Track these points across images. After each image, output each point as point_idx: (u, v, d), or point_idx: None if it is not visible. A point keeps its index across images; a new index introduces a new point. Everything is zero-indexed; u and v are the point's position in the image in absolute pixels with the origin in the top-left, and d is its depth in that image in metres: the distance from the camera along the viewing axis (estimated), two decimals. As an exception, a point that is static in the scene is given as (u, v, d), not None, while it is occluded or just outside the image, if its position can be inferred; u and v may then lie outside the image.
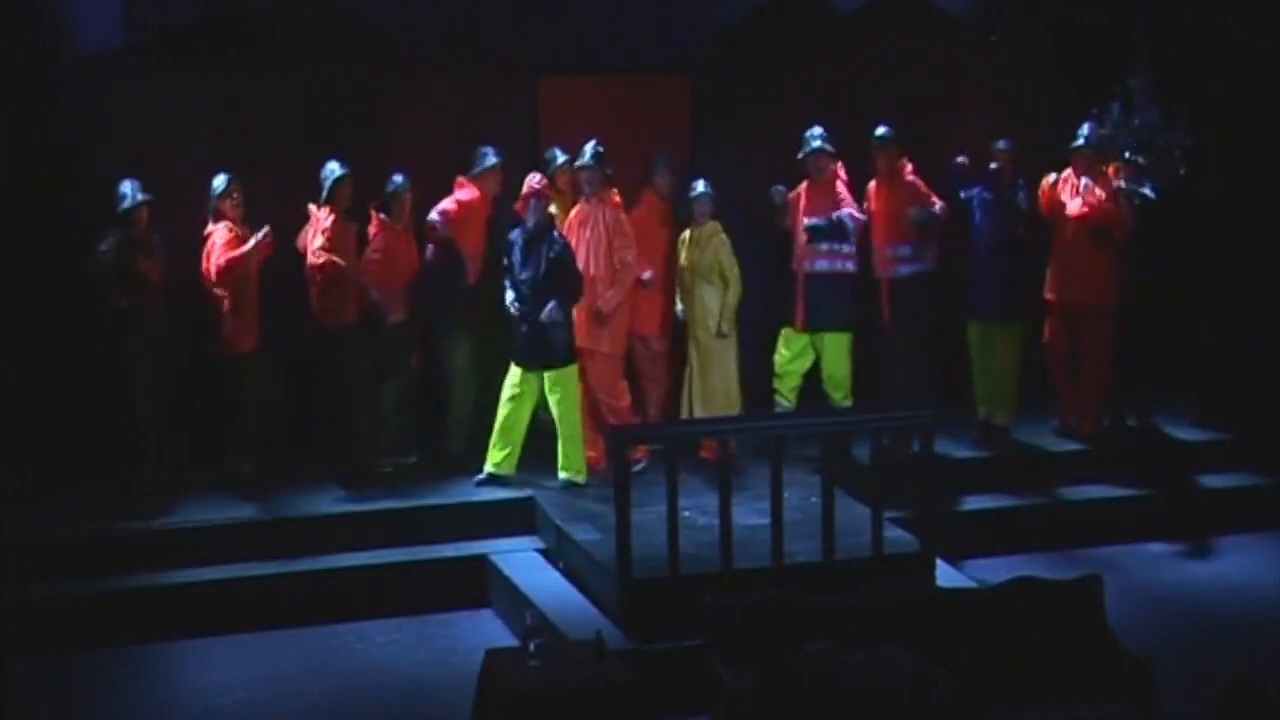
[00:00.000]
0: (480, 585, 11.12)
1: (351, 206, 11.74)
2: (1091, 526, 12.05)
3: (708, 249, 12.05)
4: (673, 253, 12.31)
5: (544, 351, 11.57)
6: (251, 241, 11.51)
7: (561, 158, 12.22)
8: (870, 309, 12.45)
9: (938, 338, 12.62)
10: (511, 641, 10.20)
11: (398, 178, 11.88)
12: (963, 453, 12.53)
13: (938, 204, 12.41)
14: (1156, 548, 12.03)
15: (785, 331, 12.45)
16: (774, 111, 13.07)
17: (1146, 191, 12.04)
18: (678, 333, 12.40)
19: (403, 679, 10.18)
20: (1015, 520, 12.01)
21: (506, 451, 11.75)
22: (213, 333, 11.68)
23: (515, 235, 11.68)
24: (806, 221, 12.23)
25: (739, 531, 10.04)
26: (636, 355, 12.30)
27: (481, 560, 11.19)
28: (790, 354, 12.44)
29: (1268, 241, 13.02)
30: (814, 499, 10.55)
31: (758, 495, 10.39)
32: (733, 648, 8.67)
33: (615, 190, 12.06)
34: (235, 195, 11.64)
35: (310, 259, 11.70)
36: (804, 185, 12.36)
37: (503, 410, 11.73)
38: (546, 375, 11.61)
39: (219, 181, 11.63)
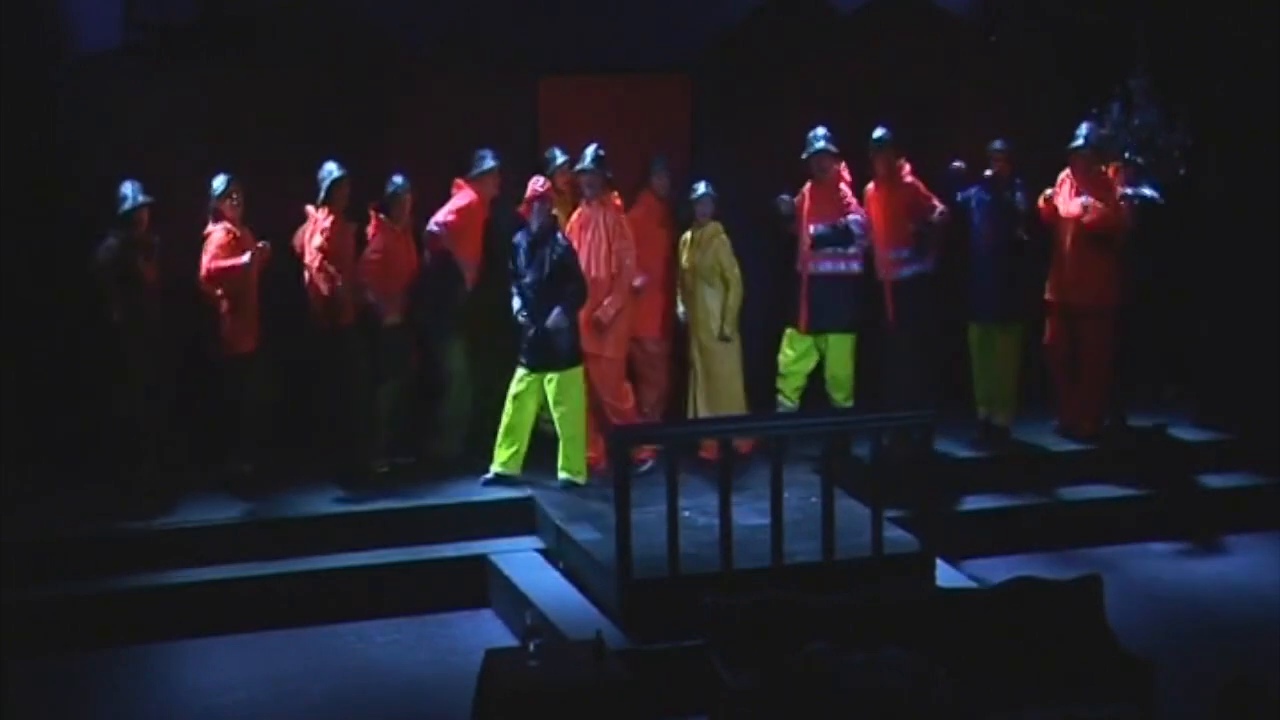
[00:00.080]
0: (480, 585, 11.12)
1: (349, 207, 11.73)
2: (1091, 526, 12.05)
3: (709, 250, 12.05)
4: (672, 255, 12.31)
5: (549, 354, 11.57)
6: (246, 255, 11.48)
7: (561, 158, 12.22)
8: (874, 310, 12.44)
9: (939, 339, 12.62)
10: (511, 641, 10.20)
11: (398, 179, 11.88)
12: (963, 453, 12.53)
13: (938, 208, 12.42)
14: (1156, 548, 12.03)
15: (790, 332, 12.45)
16: (774, 111, 13.07)
17: (1151, 194, 12.04)
18: (678, 335, 12.40)
19: (403, 679, 10.18)
20: (1015, 520, 12.01)
21: (512, 451, 11.75)
22: (212, 333, 11.69)
23: (519, 238, 11.68)
24: (812, 230, 12.23)
25: (739, 531, 10.04)
26: (634, 358, 12.29)
27: (481, 560, 11.19)
28: (795, 354, 12.44)
29: (1268, 241, 13.02)
30: (814, 499, 10.56)
31: (758, 495, 10.39)
32: (733, 648, 8.67)
33: (616, 193, 12.06)
34: (235, 196, 11.64)
35: (307, 260, 11.67)
36: (808, 186, 12.35)
37: (508, 410, 11.74)
38: (551, 377, 11.60)
39: (218, 182, 11.63)
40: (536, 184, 11.71)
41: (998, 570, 10.70)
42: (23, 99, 11.80)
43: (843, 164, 12.38)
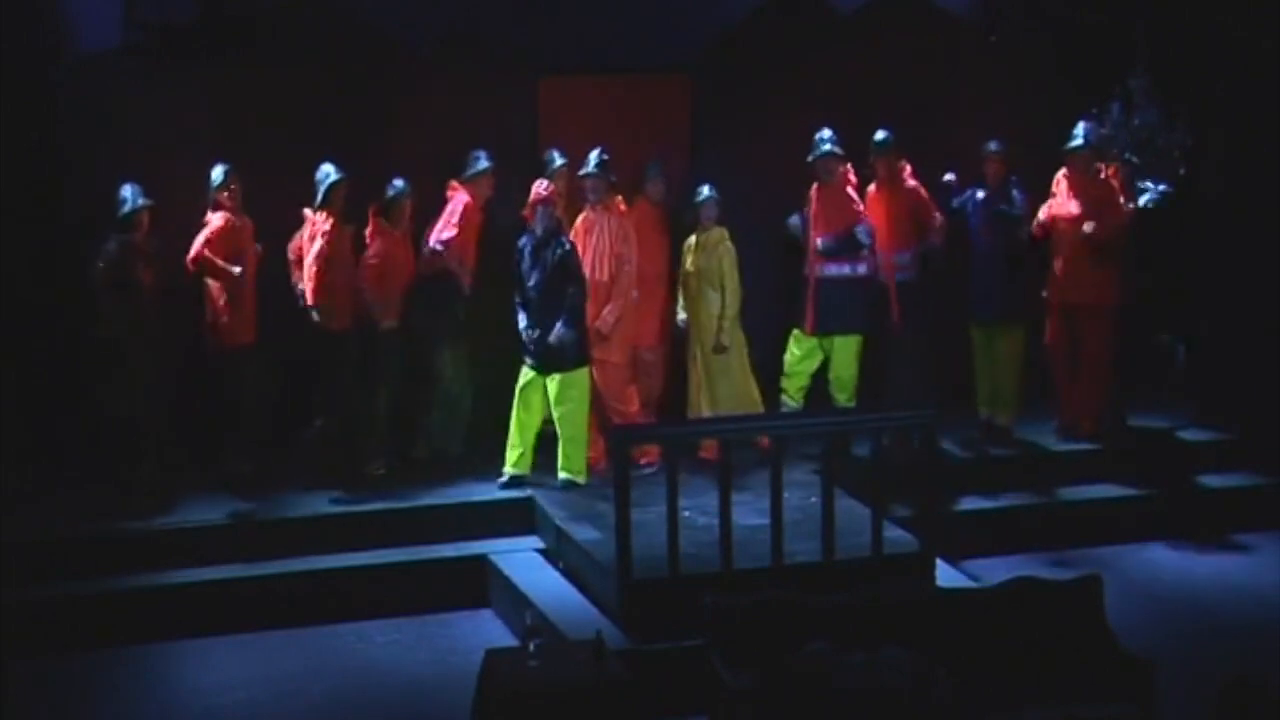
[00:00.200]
0: (480, 585, 11.12)
1: (347, 208, 11.71)
2: (1091, 526, 12.04)
3: (714, 255, 12.06)
4: (667, 261, 12.31)
5: (554, 357, 11.56)
6: (238, 269, 11.48)
7: (559, 161, 12.20)
8: (879, 312, 12.43)
9: (943, 340, 12.62)
10: (511, 641, 10.20)
11: (398, 182, 11.86)
12: (963, 452, 12.53)
13: (937, 218, 12.45)
14: (1156, 548, 12.03)
15: (795, 332, 12.47)
16: (774, 111, 13.07)
17: (1164, 187, 12.03)
18: (676, 341, 12.39)
19: (403, 679, 10.18)
20: (1015, 520, 12.00)
21: (520, 452, 11.76)
22: (211, 326, 11.65)
23: (523, 242, 11.67)
24: (819, 245, 12.22)
25: (739, 531, 10.03)
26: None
27: (481, 560, 11.19)
28: (800, 354, 12.44)
29: (1268, 241, 13.02)
30: (814, 499, 10.56)
31: (758, 495, 10.38)
32: (733, 648, 8.67)
33: (621, 198, 12.06)
34: (233, 187, 11.63)
35: (306, 265, 11.62)
36: (814, 188, 12.35)
37: (515, 412, 11.74)
38: (556, 378, 11.60)
39: (217, 173, 11.61)
40: (540, 187, 11.69)
41: (998, 570, 10.69)
42: (23, 99, 11.80)
43: (849, 166, 12.38)
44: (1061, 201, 12.66)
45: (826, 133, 12.30)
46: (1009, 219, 12.48)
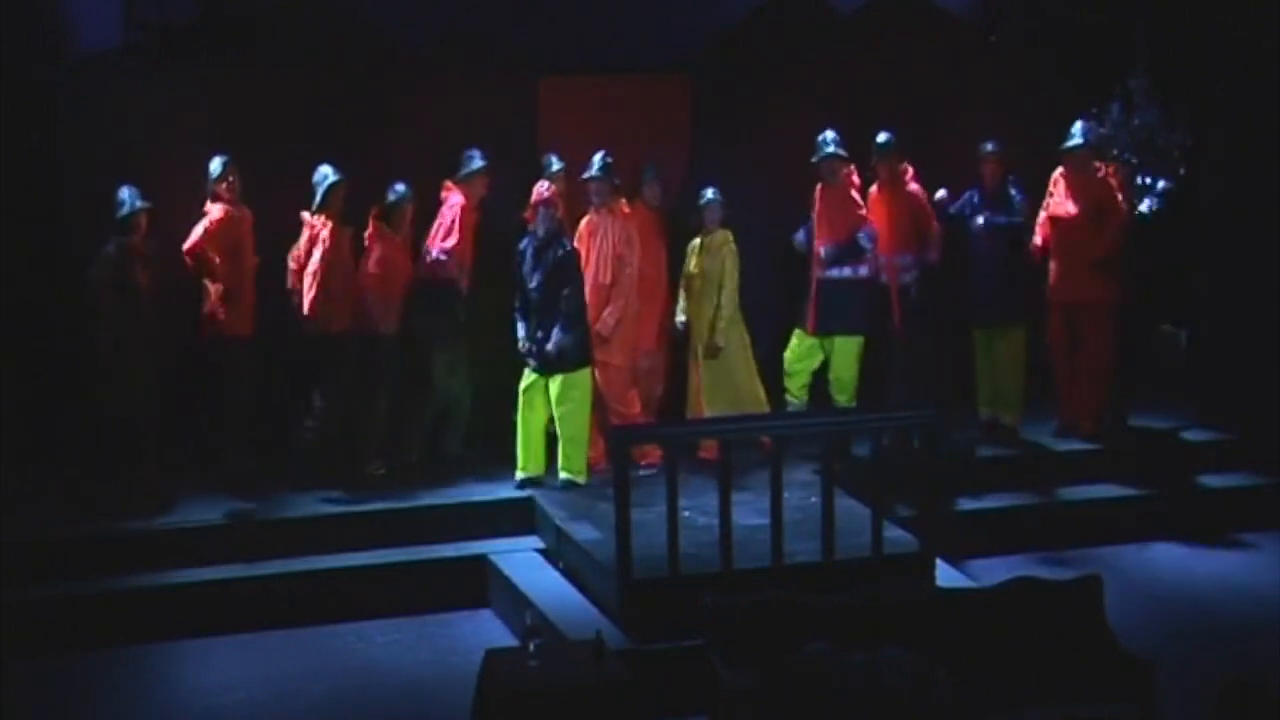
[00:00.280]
0: (480, 585, 11.12)
1: (345, 211, 11.70)
2: (1091, 526, 12.04)
3: (717, 257, 12.07)
4: (665, 263, 12.31)
5: (555, 360, 11.56)
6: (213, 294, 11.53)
7: (557, 165, 12.17)
8: (880, 313, 12.43)
9: (945, 341, 12.62)
10: (511, 641, 10.19)
11: (400, 187, 11.84)
12: (966, 453, 12.53)
13: (935, 230, 12.46)
14: (1156, 548, 12.03)
15: (797, 332, 12.48)
16: (774, 111, 13.07)
17: (1162, 184, 12.04)
18: (678, 343, 12.39)
19: (403, 679, 10.18)
20: (1015, 520, 12.00)
21: (530, 454, 11.75)
22: (208, 317, 11.61)
23: (524, 244, 11.66)
24: (823, 253, 12.23)
25: (739, 531, 10.03)
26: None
27: (481, 560, 11.19)
28: (800, 353, 12.45)
29: (1268, 241, 13.02)
30: (814, 499, 10.56)
31: (758, 495, 10.38)
32: (733, 648, 8.67)
33: (624, 201, 12.05)
34: (231, 178, 11.62)
35: (308, 274, 11.60)
36: (818, 189, 12.35)
37: (520, 414, 11.74)
38: (558, 378, 11.60)
39: (215, 165, 11.59)
40: (542, 189, 11.68)
41: (998, 570, 10.69)
42: (23, 99, 11.80)
43: (853, 167, 12.37)
44: (1059, 201, 12.67)
45: (830, 134, 12.30)
46: (1011, 228, 12.51)
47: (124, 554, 10.93)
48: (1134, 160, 12.11)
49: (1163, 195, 12.06)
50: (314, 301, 11.52)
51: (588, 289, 11.74)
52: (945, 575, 10.49)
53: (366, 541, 11.27)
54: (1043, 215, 12.71)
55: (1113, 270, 12.58)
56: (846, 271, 12.30)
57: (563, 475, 11.69)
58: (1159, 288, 13.03)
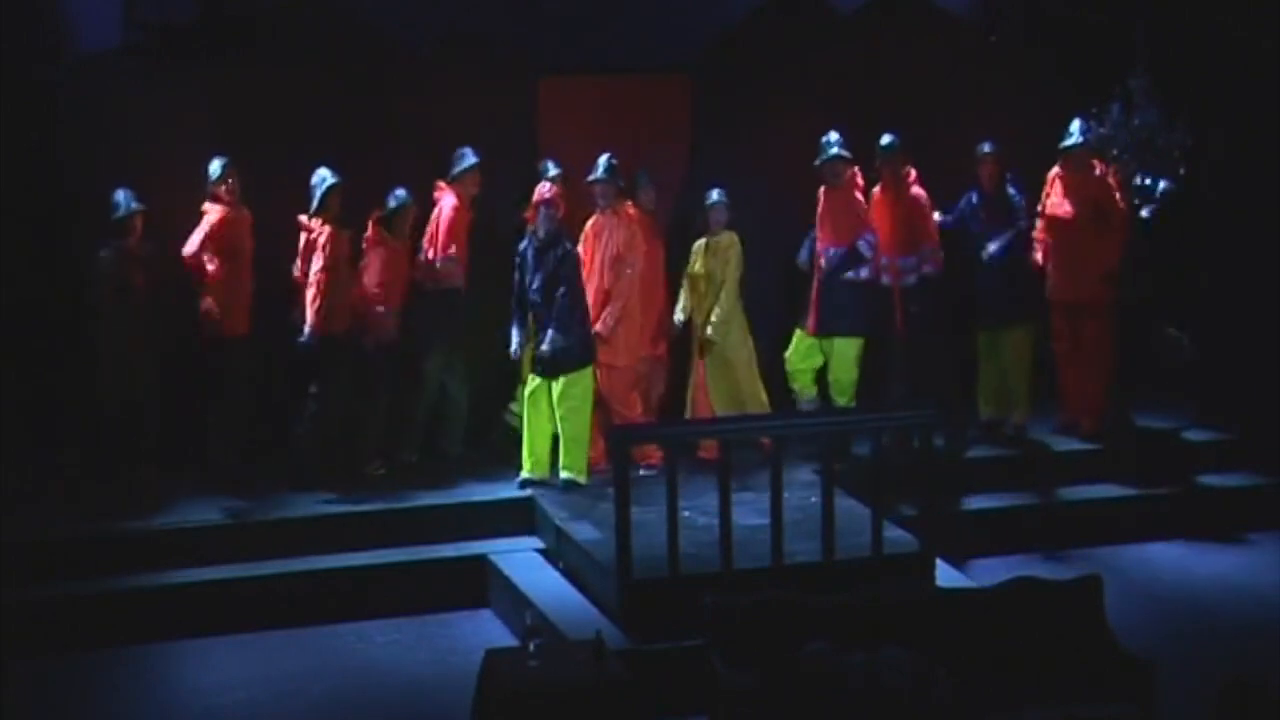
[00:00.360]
0: (480, 585, 11.11)
1: (345, 211, 11.69)
2: (1091, 526, 12.04)
3: (724, 258, 12.08)
4: (662, 266, 12.29)
5: (555, 362, 11.56)
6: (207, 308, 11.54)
7: (553, 170, 12.14)
8: (882, 315, 12.42)
9: (948, 342, 12.62)
10: (511, 641, 10.19)
11: (400, 192, 11.82)
12: (970, 453, 12.54)
13: (935, 246, 12.43)
14: (1156, 548, 12.03)
15: (798, 332, 12.48)
16: (774, 111, 13.07)
17: (1163, 185, 12.04)
18: (676, 339, 12.38)
19: (403, 679, 10.17)
20: (1015, 520, 12.00)
21: (535, 456, 11.75)
22: (205, 316, 11.60)
23: (525, 245, 11.65)
24: (824, 264, 12.24)
25: (739, 531, 10.03)
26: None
27: (481, 560, 11.19)
28: (801, 352, 12.46)
29: (1268, 242, 13.02)
30: (814, 499, 10.56)
31: (758, 495, 10.38)
32: (733, 648, 8.67)
33: (630, 203, 12.05)
34: (231, 180, 11.61)
35: (310, 286, 11.59)
36: (822, 191, 12.35)
37: (526, 417, 11.74)
38: (561, 379, 11.60)
39: (215, 166, 11.59)
40: (543, 189, 11.67)
41: (998, 570, 10.69)
42: (23, 99, 11.80)
43: (856, 169, 12.37)
44: (1056, 202, 12.67)
45: (834, 135, 12.29)
46: (1019, 236, 12.53)
47: (124, 554, 10.93)
48: (1125, 159, 12.12)
49: (1163, 197, 12.07)
50: (318, 313, 11.51)
51: (591, 290, 11.74)
52: (945, 575, 10.49)
53: (366, 541, 11.27)
54: (1040, 217, 12.70)
55: (1114, 276, 12.58)
56: (849, 273, 12.30)
57: (564, 475, 11.69)
58: (1159, 288, 13.01)
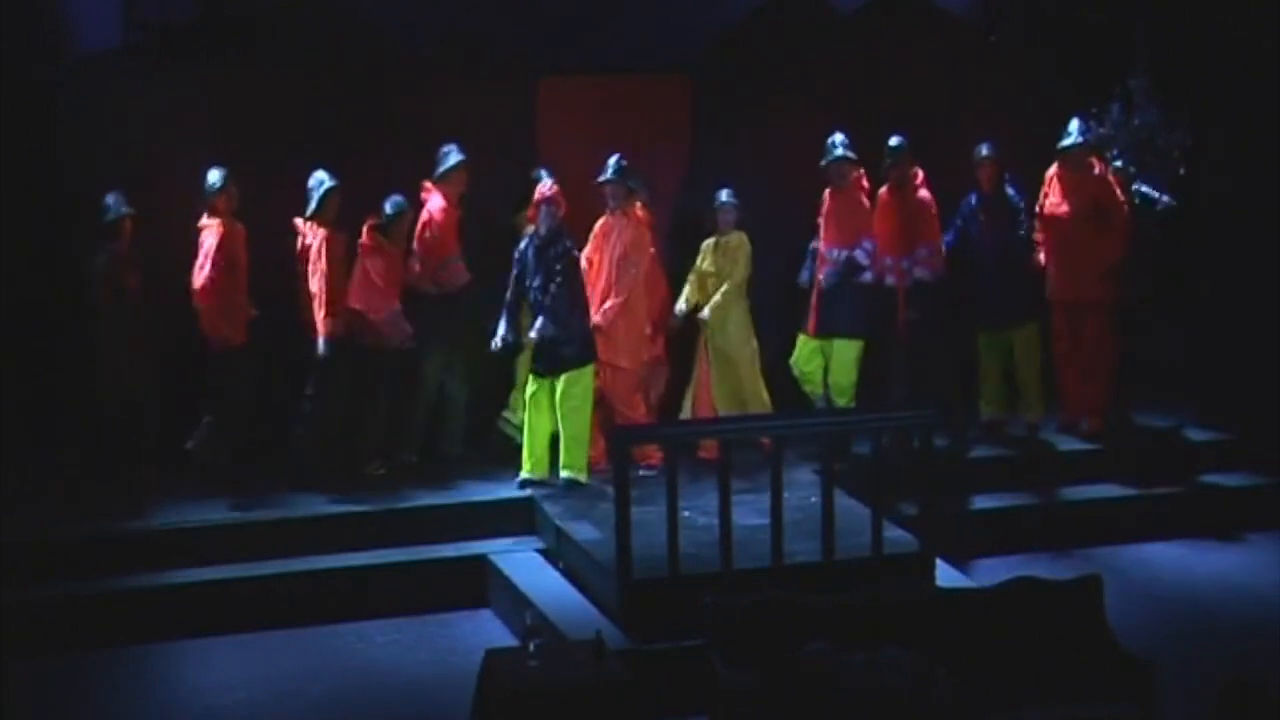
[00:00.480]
0: (480, 585, 11.11)
1: (343, 213, 11.69)
2: (1091, 526, 12.04)
3: (733, 258, 12.09)
4: (660, 267, 12.28)
5: (555, 359, 11.56)
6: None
7: (547, 179, 12.08)
8: (883, 316, 12.42)
9: (951, 343, 12.62)
10: (511, 641, 10.19)
11: (397, 198, 11.78)
12: (971, 453, 12.55)
13: (932, 242, 12.41)
14: (1156, 548, 12.02)
15: (802, 336, 12.48)
16: (774, 111, 13.07)
17: (1165, 199, 12.07)
18: (675, 346, 12.37)
19: (403, 679, 10.18)
20: (1016, 520, 12.00)
21: (536, 456, 11.75)
22: (203, 327, 11.60)
23: (526, 244, 11.65)
24: (822, 280, 12.24)
25: (739, 531, 10.03)
26: None
27: (481, 560, 11.19)
28: (805, 354, 12.46)
29: (1268, 241, 13.02)
30: (814, 499, 10.56)
31: (758, 495, 10.38)
32: (733, 648, 8.67)
33: (639, 204, 12.04)
34: (231, 190, 11.59)
35: (316, 295, 11.58)
36: (827, 193, 12.35)
37: (527, 417, 11.75)
38: (562, 377, 11.60)
39: (214, 177, 11.55)
40: (545, 187, 11.66)
41: (998, 570, 10.69)
42: (23, 99, 11.80)
43: (862, 171, 12.36)
44: (1055, 202, 12.66)
45: (839, 137, 12.29)
46: (1014, 212, 12.53)
47: (124, 554, 10.93)
48: (1131, 168, 12.13)
49: (1162, 211, 12.11)
50: (327, 323, 11.51)
51: (596, 290, 11.74)
52: (945, 575, 10.49)
53: (366, 541, 11.27)
54: (1039, 217, 12.71)
55: (1115, 272, 12.58)
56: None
57: (564, 474, 11.69)
58: (1159, 287, 13.02)
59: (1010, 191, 12.63)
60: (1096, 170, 12.52)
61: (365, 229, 11.69)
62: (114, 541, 11.01)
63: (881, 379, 12.59)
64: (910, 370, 12.44)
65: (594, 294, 11.80)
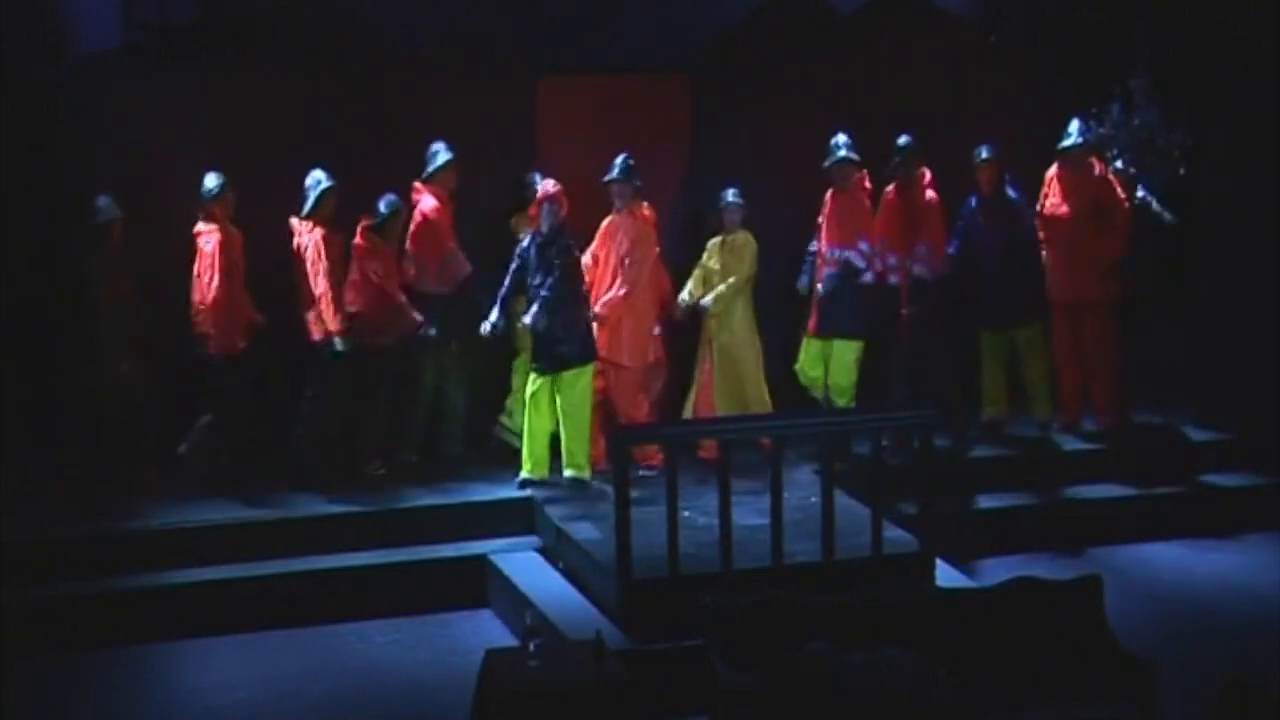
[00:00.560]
0: (480, 585, 11.12)
1: (341, 214, 11.68)
2: (1091, 526, 12.04)
3: (739, 257, 12.10)
4: (658, 266, 12.28)
5: (555, 358, 11.56)
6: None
7: (540, 182, 12.06)
8: (885, 317, 12.41)
9: (954, 342, 12.63)
10: (511, 641, 10.19)
11: (391, 197, 11.76)
12: (971, 453, 12.55)
13: (933, 244, 12.40)
14: (1156, 548, 12.03)
15: (806, 338, 12.49)
16: (774, 111, 13.08)
17: (1167, 217, 12.08)
18: (675, 346, 12.37)
19: (403, 679, 10.18)
20: (1015, 520, 12.00)
21: (536, 456, 11.75)
22: (200, 333, 11.60)
23: (527, 242, 11.65)
24: (820, 289, 12.25)
25: (739, 531, 10.03)
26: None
27: (481, 560, 11.19)
28: (809, 356, 12.47)
29: (1268, 241, 13.02)
30: (814, 499, 10.56)
31: (758, 495, 10.38)
32: (733, 648, 8.67)
33: (646, 204, 12.04)
34: (228, 195, 11.57)
35: (320, 295, 11.56)
36: (829, 194, 12.35)
37: (527, 414, 11.75)
38: (563, 375, 11.60)
39: (212, 182, 11.54)
40: (547, 185, 11.67)
41: (998, 570, 10.69)
42: (23, 99, 11.80)
43: (864, 172, 12.36)
44: (1055, 202, 12.67)
45: (842, 138, 12.28)
46: (1016, 212, 12.52)
47: (124, 554, 10.93)
48: (1131, 170, 12.12)
49: (1162, 223, 12.14)
50: (338, 320, 11.49)
51: (601, 287, 11.74)
52: (945, 575, 10.49)
53: (366, 541, 11.27)
54: (1040, 217, 12.71)
55: (1116, 270, 12.58)
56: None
57: (567, 472, 11.70)
58: (1159, 288, 13.02)
59: (1011, 193, 12.62)
60: (1097, 170, 12.53)
61: (359, 230, 11.68)
62: (114, 541, 11.01)
63: (881, 379, 12.59)
64: (910, 370, 12.45)
65: (598, 290, 11.81)
